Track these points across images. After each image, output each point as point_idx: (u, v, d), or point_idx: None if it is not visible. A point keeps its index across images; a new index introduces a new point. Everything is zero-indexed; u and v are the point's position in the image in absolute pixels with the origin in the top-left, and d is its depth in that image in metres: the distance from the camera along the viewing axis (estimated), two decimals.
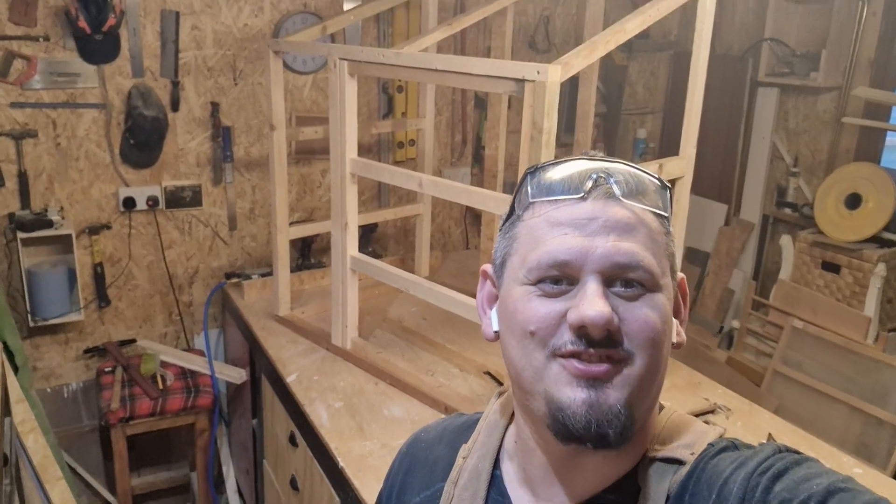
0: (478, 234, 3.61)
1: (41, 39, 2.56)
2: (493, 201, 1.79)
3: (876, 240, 2.87)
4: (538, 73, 1.57)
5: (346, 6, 3.01)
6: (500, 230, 0.77)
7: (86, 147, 2.72)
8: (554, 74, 1.56)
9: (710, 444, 0.71)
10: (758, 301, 3.29)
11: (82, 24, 2.53)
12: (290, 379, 2.22)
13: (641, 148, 4.00)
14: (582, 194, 0.69)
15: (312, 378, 2.23)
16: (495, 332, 0.76)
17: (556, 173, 0.72)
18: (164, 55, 2.75)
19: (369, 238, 3.24)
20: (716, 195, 3.77)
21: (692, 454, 0.70)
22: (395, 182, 2.08)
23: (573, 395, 0.65)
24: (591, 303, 0.65)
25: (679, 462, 0.70)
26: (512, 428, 0.81)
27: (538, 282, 0.69)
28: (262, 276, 2.90)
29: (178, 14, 2.73)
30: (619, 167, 0.72)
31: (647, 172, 0.73)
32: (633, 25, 1.77)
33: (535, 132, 1.60)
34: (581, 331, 0.65)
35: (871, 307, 2.76)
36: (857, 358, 2.72)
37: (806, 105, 3.42)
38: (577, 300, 0.66)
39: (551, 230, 0.69)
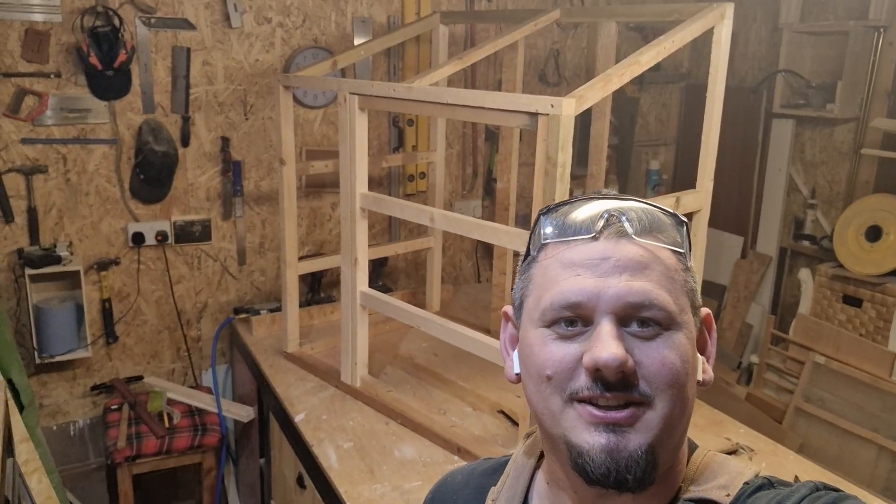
0: (489, 268, 3.57)
1: (52, 76, 2.56)
2: (505, 236, 1.75)
3: None
4: (552, 106, 1.54)
5: (357, 41, 3.01)
6: (518, 271, 0.77)
7: (96, 182, 2.71)
8: (568, 108, 1.53)
9: (746, 483, 0.69)
10: (777, 336, 3.21)
11: (94, 60, 2.53)
12: (298, 418, 2.17)
13: (654, 180, 3.96)
14: (594, 234, 0.68)
15: (321, 417, 2.18)
16: (517, 374, 0.75)
17: (569, 213, 0.71)
18: (175, 91, 2.74)
19: (380, 272, 3.20)
20: (732, 228, 3.72)
21: (728, 495, 0.68)
22: (406, 217, 2.05)
23: (592, 441, 0.64)
24: (605, 345, 0.63)
25: (714, 503, 0.68)
26: (541, 469, 0.79)
27: (552, 323, 0.68)
28: (272, 311, 2.86)
29: (188, 50, 2.73)
30: (631, 204, 0.71)
31: (663, 208, 0.72)
32: (647, 58, 1.74)
33: (550, 166, 1.57)
34: (596, 374, 0.64)
35: (895, 343, 2.68)
36: (883, 395, 2.63)
37: (822, 136, 3.37)
38: (591, 342, 0.65)
39: (564, 271, 0.68)
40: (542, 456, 0.80)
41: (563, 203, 0.73)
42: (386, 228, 3.28)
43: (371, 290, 2.20)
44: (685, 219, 0.72)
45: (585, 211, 0.70)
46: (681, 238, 0.70)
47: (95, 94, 2.63)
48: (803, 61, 3.35)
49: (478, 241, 3.46)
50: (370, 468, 1.92)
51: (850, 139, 3.25)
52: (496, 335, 2.59)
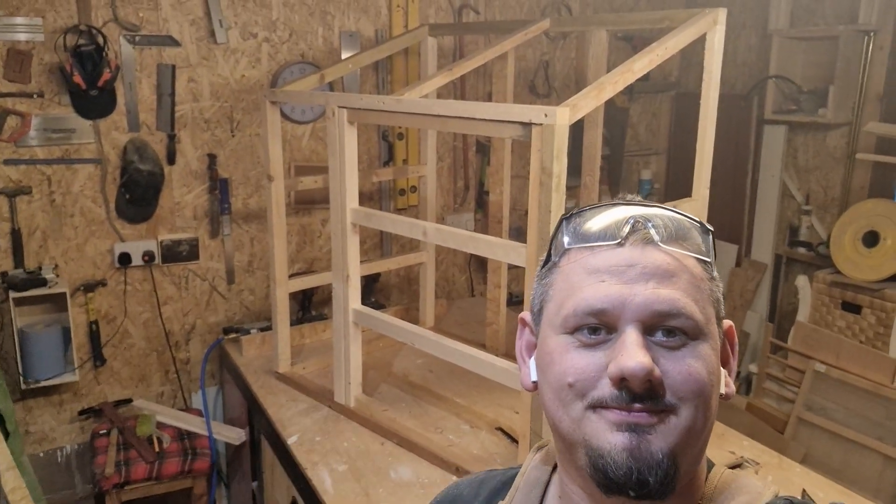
0: (482, 282, 3.52)
1: (35, 96, 2.52)
2: (500, 249, 1.71)
3: None
4: (546, 115, 1.50)
5: (344, 55, 2.97)
6: (537, 276, 0.75)
7: (81, 203, 2.66)
8: (563, 117, 1.49)
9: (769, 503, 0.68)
10: (776, 344, 3.17)
11: (77, 79, 2.49)
12: (291, 441, 2.11)
13: (647, 189, 3.93)
14: (619, 240, 0.67)
15: (314, 439, 2.12)
16: (533, 381, 0.74)
17: (593, 219, 0.70)
18: (161, 109, 2.70)
19: (372, 288, 3.15)
20: (725, 236, 3.69)
21: None
22: (398, 231, 2.01)
23: (613, 441, 0.62)
24: (631, 354, 0.62)
25: None
26: (553, 483, 0.77)
27: (575, 330, 0.66)
28: (262, 330, 2.81)
29: (174, 67, 2.69)
30: (657, 211, 0.69)
31: (688, 216, 0.70)
32: (640, 65, 1.71)
33: (545, 176, 1.53)
34: (622, 383, 0.62)
35: (895, 349, 2.65)
36: (886, 402, 2.60)
37: (815, 142, 3.36)
38: (617, 351, 0.63)
39: (588, 277, 0.66)
40: (554, 469, 0.77)
41: (587, 208, 0.71)
42: (378, 244, 3.24)
43: (364, 307, 2.15)
44: (710, 227, 0.70)
45: (610, 217, 0.69)
46: (706, 247, 0.69)
47: (80, 114, 2.58)
48: (794, 67, 3.33)
49: (471, 254, 3.42)
50: (366, 491, 1.87)
51: (843, 144, 3.24)
52: (493, 351, 2.54)
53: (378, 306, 3.02)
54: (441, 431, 2.13)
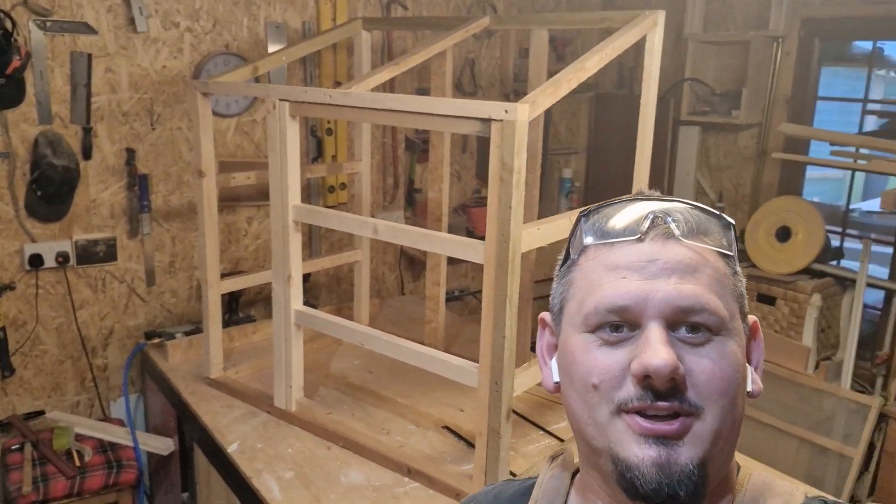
0: (412, 280, 3.50)
1: None
2: (458, 246, 1.69)
3: (807, 271, 2.94)
4: (506, 112, 1.50)
5: (271, 48, 2.88)
6: (556, 275, 0.73)
7: None
8: (523, 113, 1.49)
9: None
10: None
11: None
12: (231, 449, 2.02)
13: (567, 188, 4.01)
14: (639, 235, 0.65)
15: (256, 446, 2.04)
16: (556, 383, 0.72)
17: (612, 215, 0.68)
18: (75, 100, 2.53)
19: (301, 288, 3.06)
20: None
21: None
22: (344, 228, 1.96)
23: (641, 454, 0.61)
24: (655, 351, 0.60)
25: None
26: (574, 493, 0.74)
27: (597, 328, 0.65)
28: (187, 334, 2.68)
29: (89, 56, 2.52)
30: (677, 205, 0.68)
31: (708, 209, 0.69)
32: (591, 63, 1.73)
33: (505, 172, 1.52)
34: (646, 381, 0.61)
35: (808, 337, 2.81)
36: (800, 388, 2.75)
37: (727, 142, 3.52)
38: (640, 348, 0.62)
39: (608, 274, 0.65)
40: (573, 479, 0.76)
41: (605, 204, 0.70)
42: (306, 243, 3.15)
43: (306, 307, 2.08)
44: (731, 220, 0.69)
45: (629, 212, 0.67)
46: (728, 241, 0.68)
47: None
48: (707, 70, 3.48)
49: (401, 252, 3.39)
50: (317, 497, 1.81)
51: (753, 144, 3.41)
52: (435, 347, 2.51)
53: (309, 306, 2.94)
54: (388, 433, 2.09)
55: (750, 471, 0.71)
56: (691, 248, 0.65)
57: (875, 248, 2.93)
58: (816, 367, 2.82)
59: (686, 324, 0.62)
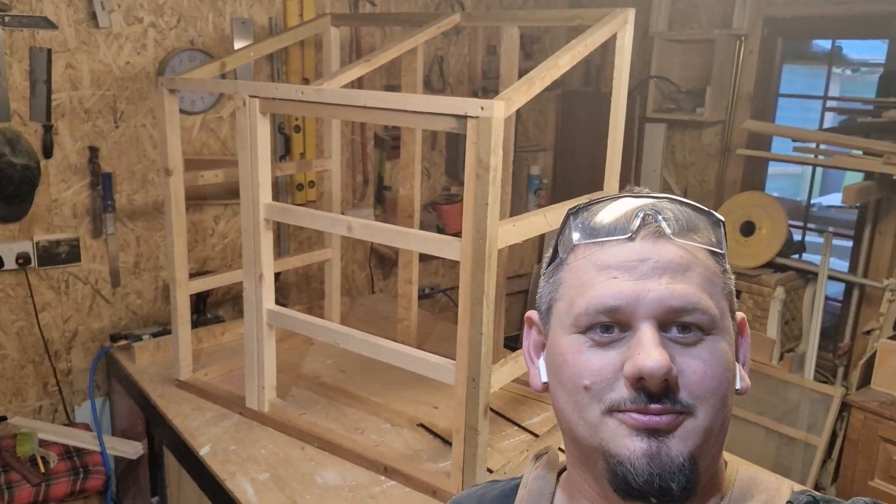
0: (382, 278, 3.49)
1: None
2: (434, 244, 1.68)
3: (770, 264, 3.00)
4: (482, 108, 1.50)
5: (237, 43, 2.84)
6: (544, 274, 0.73)
7: None
8: (499, 110, 1.49)
9: (789, 502, 0.67)
10: None
11: None
12: (203, 451, 1.99)
13: (536, 185, 4.03)
14: (629, 234, 0.65)
15: (229, 448, 2.01)
16: (544, 382, 0.71)
17: (601, 213, 0.67)
18: (35, 97, 2.46)
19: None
20: None
21: None
22: (318, 226, 1.94)
23: (633, 447, 0.61)
24: (648, 352, 0.60)
25: None
26: (559, 492, 0.74)
27: (587, 329, 0.64)
28: (154, 335, 2.63)
29: (49, 52, 2.46)
30: (667, 203, 0.67)
31: (699, 206, 0.68)
32: (565, 60, 1.74)
33: (481, 169, 1.52)
34: (638, 383, 0.60)
35: (773, 329, 2.87)
36: (766, 380, 2.81)
37: (692, 139, 3.57)
38: (633, 350, 0.61)
39: (599, 274, 0.64)
40: (559, 479, 0.75)
41: (594, 202, 0.69)
42: (274, 241, 3.11)
43: (279, 307, 2.06)
44: (721, 217, 0.69)
45: (618, 210, 0.67)
46: (717, 238, 0.67)
47: None
48: (673, 68, 3.53)
49: (371, 250, 3.38)
50: (292, 499, 1.79)
51: (717, 141, 3.46)
52: (408, 345, 2.50)
53: (280, 306, 2.90)
54: (362, 432, 2.08)
55: (737, 467, 0.71)
56: (682, 247, 0.64)
57: (835, 241, 3.00)
58: (781, 358, 2.88)
59: (677, 324, 0.62)
